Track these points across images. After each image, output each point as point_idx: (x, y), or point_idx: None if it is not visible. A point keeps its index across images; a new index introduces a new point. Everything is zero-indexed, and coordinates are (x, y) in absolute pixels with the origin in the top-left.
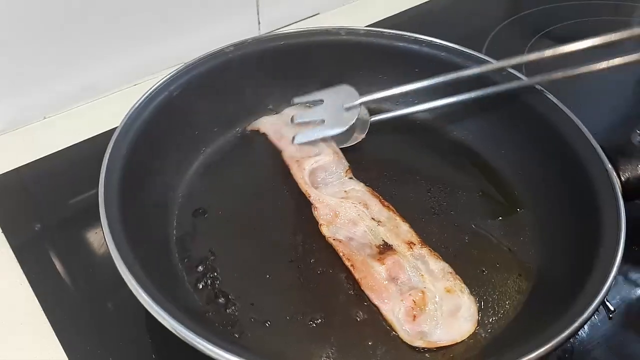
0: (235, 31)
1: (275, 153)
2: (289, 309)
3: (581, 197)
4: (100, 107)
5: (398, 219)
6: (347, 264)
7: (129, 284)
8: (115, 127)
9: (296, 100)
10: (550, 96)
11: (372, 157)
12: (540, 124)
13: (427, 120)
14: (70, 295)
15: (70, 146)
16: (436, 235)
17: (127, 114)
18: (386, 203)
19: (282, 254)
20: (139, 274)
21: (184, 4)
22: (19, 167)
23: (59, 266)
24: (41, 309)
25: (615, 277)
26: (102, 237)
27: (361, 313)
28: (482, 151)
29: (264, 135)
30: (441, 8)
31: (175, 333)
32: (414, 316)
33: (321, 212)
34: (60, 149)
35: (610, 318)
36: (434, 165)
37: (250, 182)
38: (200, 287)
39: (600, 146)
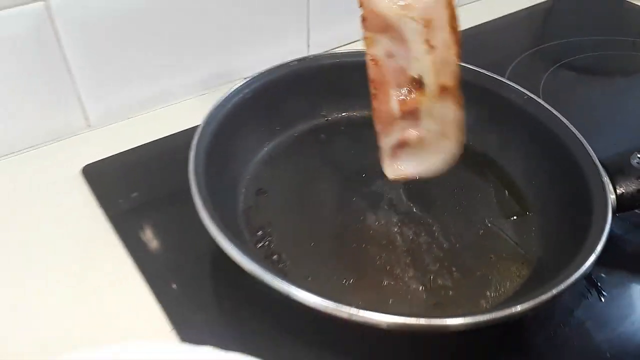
0: (288, 52)
1: (323, 153)
2: (327, 270)
3: (580, 204)
4: (174, 111)
5: (452, 51)
6: (372, 90)
7: (215, 238)
8: (186, 128)
9: None
10: (565, 120)
11: None
12: (552, 143)
13: None
14: (160, 256)
15: (152, 141)
16: (455, 227)
17: (210, 110)
18: (455, 22)
19: (325, 229)
20: (223, 230)
21: (246, 29)
22: (109, 157)
23: (149, 231)
24: (137, 268)
25: (592, 266)
26: (183, 211)
27: (386, 280)
28: (501, 162)
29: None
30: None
31: (252, 273)
32: (399, 150)
33: (370, 24)
34: (143, 143)
35: (601, 300)
36: (459, 173)
37: (303, 172)
38: (259, 246)
39: (602, 164)
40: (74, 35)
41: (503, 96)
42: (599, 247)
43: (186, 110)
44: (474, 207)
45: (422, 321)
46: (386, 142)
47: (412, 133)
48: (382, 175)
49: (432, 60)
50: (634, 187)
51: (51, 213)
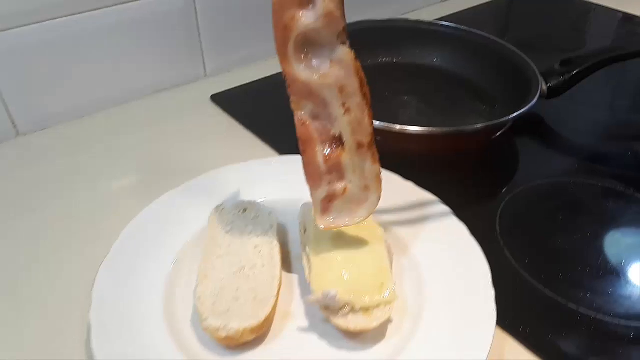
0: None
1: None
2: None
3: (525, 94)
4: (257, 67)
5: (365, 111)
6: (300, 147)
7: None
8: (264, 77)
9: None
10: (518, 50)
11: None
12: (509, 64)
13: (441, 65)
14: (270, 130)
15: (249, 82)
16: (453, 116)
17: None
18: (365, 88)
19: None
20: None
21: None
22: (224, 90)
23: (263, 120)
24: (260, 139)
25: (529, 109)
26: (275, 109)
27: None
28: (479, 81)
29: None
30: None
31: None
32: (329, 204)
33: (295, 90)
34: (244, 83)
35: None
36: (453, 90)
37: None
38: None
39: (540, 73)
40: (206, 14)
41: (481, 42)
42: (531, 104)
43: (265, 67)
44: (463, 106)
45: (444, 129)
46: (316, 196)
47: (338, 187)
48: (399, 93)
49: (349, 120)
50: (557, 81)
51: (198, 122)
